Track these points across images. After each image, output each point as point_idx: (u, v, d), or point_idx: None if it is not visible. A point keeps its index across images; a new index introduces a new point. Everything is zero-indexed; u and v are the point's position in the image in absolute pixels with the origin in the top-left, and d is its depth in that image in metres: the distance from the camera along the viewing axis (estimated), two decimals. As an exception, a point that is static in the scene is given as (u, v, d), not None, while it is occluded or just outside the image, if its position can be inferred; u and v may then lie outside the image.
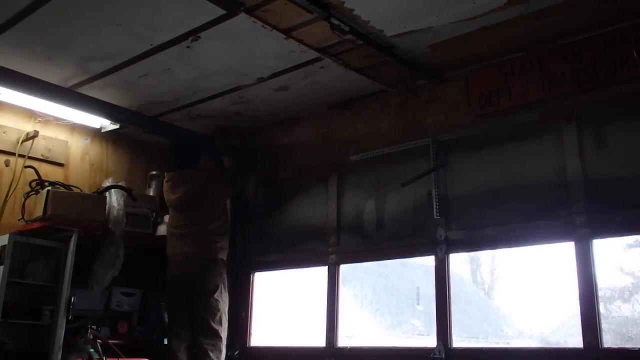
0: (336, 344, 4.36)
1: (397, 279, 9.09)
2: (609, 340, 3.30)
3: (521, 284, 7.27)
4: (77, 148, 5.00)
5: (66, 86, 4.37)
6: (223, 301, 4.28)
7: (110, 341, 4.31)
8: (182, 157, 4.68)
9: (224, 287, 4.32)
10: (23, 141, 4.56)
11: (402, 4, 3.30)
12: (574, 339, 3.48)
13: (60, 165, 4.84)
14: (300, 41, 3.68)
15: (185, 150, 4.76)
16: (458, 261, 6.14)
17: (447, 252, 3.93)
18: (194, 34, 3.59)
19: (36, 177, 4.48)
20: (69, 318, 4.12)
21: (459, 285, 7.35)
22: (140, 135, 5.28)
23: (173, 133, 5.10)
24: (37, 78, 4.22)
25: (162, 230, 4.83)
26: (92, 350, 4.14)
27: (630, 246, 3.78)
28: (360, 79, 4.22)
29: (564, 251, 3.53)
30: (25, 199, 4.44)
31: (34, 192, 4.44)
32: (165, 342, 4.42)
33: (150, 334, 4.75)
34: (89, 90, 4.43)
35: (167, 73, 4.14)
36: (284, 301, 5.50)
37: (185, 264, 4.28)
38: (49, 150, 4.76)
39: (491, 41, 3.69)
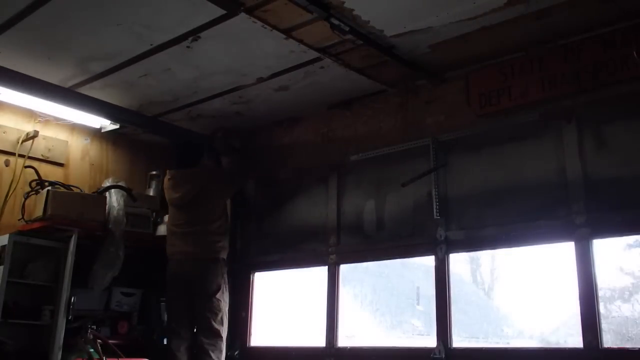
0: (336, 344, 4.36)
1: (397, 279, 9.09)
2: (609, 340, 3.30)
3: (521, 284, 7.26)
4: (77, 148, 5.00)
5: (66, 86, 4.37)
6: (224, 301, 4.29)
7: (110, 341, 4.31)
8: (184, 155, 4.67)
9: (225, 287, 4.33)
10: (23, 141, 4.56)
11: (402, 4, 3.30)
12: (574, 339, 3.48)
13: (60, 165, 4.84)
14: (300, 41, 3.68)
15: (188, 148, 4.75)
16: (458, 261, 6.13)
17: (447, 252, 3.94)
18: (194, 34, 3.59)
19: (36, 177, 4.48)
20: (69, 318, 4.12)
21: (459, 285, 7.34)
22: (140, 135, 5.28)
23: (173, 133, 5.10)
24: (37, 78, 4.22)
25: (162, 230, 4.82)
26: (92, 350, 4.14)
27: (630, 246, 3.78)
28: (360, 79, 4.22)
29: (564, 251, 3.53)
30: (25, 199, 4.44)
31: (34, 192, 4.44)
32: (165, 342, 4.42)
33: (150, 334, 4.74)
34: (89, 90, 4.44)
35: (167, 73, 4.14)
36: (284, 301, 5.49)
37: (186, 263, 4.28)
38: (49, 150, 4.76)
39: (491, 41, 3.69)
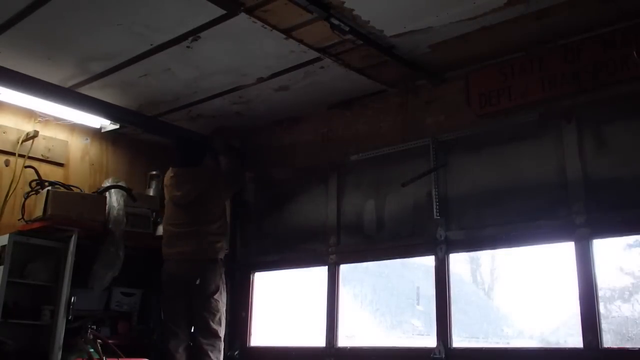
0: (336, 344, 4.36)
1: (397, 279, 9.10)
2: (609, 340, 3.30)
3: (521, 284, 7.27)
4: (77, 148, 5.00)
5: (66, 86, 4.37)
6: (222, 301, 4.27)
7: (110, 341, 4.30)
8: (188, 153, 4.62)
9: (223, 288, 4.32)
10: (23, 141, 4.56)
11: (402, 4, 3.30)
12: (574, 339, 3.48)
13: (60, 165, 4.84)
14: (300, 41, 3.68)
15: (192, 146, 4.72)
16: (458, 261, 6.14)
17: (447, 252, 3.94)
18: (194, 34, 3.59)
19: (36, 177, 4.48)
20: (69, 318, 4.11)
21: (459, 285, 7.36)
22: (140, 135, 5.28)
23: (173, 133, 5.09)
24: (37, 78, 4.22)
25: (162, 230, 4.82)
26: (92, 350, 4.13)
27: (630, 246, 3.78)
28: (360, 79, 4.22)
29: (564, 251, 3.54)
30: (25, 199, 4.43)
31: (34, 192, 4.44)
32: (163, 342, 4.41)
33: (150, 334, 4.74)
34: (89, 90, 4.43)
35: (167, 73, 4.14)
36: (283, 301, 5.50)
37: (184, 263, 4.25)
38: (49, 150, 4.76)
39: (491, 41, 3.69)
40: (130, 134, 5.25)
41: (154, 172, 5.21)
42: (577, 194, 3.47)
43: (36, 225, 4.26)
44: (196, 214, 4.36)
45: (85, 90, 4.43)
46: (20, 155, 4.54)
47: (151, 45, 3.75)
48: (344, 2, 3.24)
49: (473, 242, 3.91)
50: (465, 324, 6.47)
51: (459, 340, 3.90)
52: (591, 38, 3.51)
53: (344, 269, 4.59)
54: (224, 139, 4.93)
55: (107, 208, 4.49)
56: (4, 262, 4.08)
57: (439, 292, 3.91)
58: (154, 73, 4.15)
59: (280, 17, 3.41)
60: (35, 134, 4.55)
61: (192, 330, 4.26)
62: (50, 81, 4.29)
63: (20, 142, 4.55)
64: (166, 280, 4.29)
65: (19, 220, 4.42)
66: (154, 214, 4.91)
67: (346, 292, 5.73)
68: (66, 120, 4.80)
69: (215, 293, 4.21)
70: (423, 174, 4.06)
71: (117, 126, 4.90)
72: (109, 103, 4.62)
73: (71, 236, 4.23)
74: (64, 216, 4.21)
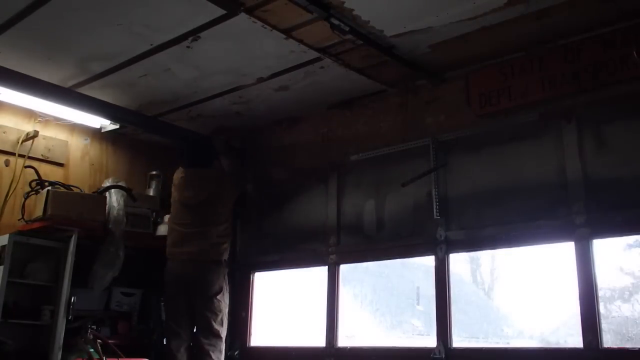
0: (336, 344, 4.36)
1: (397, 279, 9.09)
2: (609, 340, 3.30)
3: (521, 284, 7.27)
4: (77, 148, 5.00)
5: (66, 86, 4.37)
6: (224, 302, 4.28)
7: (110, 341, 4.31)
8: (197, 154, 4.60)
9: (226, 288, 4.32)
10: (23, 141, 4.56)
11: (402, 4, 3.30)
12: (574, 339, 3.48)
13: (60, 165, 4.84)
14: (300, 41, 3.68)
15: (201, 147, 4.71)
16: (458, 261, 6.14)
17: (447, 252, 3.93)
18: (194, 34, 3.59)
19: (36, 177, 4.48)
20: (69, 318, 4.11)
21: (459, 285, 7.35)
22: (140, 135, 5.28)
23: (173, 133, 5.10)
24: (37, 78, 4.22)
25: (162, 230, 4.82)
26: (92, 350, 4.13)
27: (630, 246, 3.78)
28: (360, 79, 4.22)
29: (564, 251, 3.54)
30: (25, 199, 4.44)
31: (34, 192, 4.44)
32: (164, 342, 4.41)
33: (150, 334, 4.74)
34: (89, 90, 4.43)
35: (167, 73, 4.14)
36: (283, 301, 5.50)
37: (189, 264, 4.25)
38: (49, 150, 4.76)
39: (491, 41, 3.69)
40: (130, 134, 5.25)
41: (154, 172, 5.22)
42: (577, 194, 3.47)
43: (36, 225, 4.26)
44: (204, 214, 4.35)
45: (85, 90, 4.43)
46: (20, 155, 4.54)
47: (151, 45, 3.75)
48: (344, 2, 3.24)
49: (473, 242, 3.91)
50: (465, 324, 6.47)
51: (459, 340, 3.90)
52: (591, 38, 3.51)
53: (344, 269, 4.59)
54: (224, 139, 4.92)
55: (107, 208, 4.50)
56: (4, 262, 4.08)
57: (439, 292, 3.91)
58: (154, 73, 4.15)
59: (280, 17, 3.41)
60: (35, 134, 4.55)
61: (194, 331, 4.26)
62: (50, 81, 4.29)
63: (20, 142, 4.55)
64: (169, 280, 4.29)
65: (19, 220, 4.42)
66: (154, 214, 4.92)
67: (346, 292, 5.73)
68: (66, 120, 4.81)
69: (218, 293, 4.21)
70: (423, 174, 4.06)
71: (117, 126, 4.90)
72: (109, 103, 4.63)
73: (71, 236, 4.24)
74: (64, 216, 4.21)
